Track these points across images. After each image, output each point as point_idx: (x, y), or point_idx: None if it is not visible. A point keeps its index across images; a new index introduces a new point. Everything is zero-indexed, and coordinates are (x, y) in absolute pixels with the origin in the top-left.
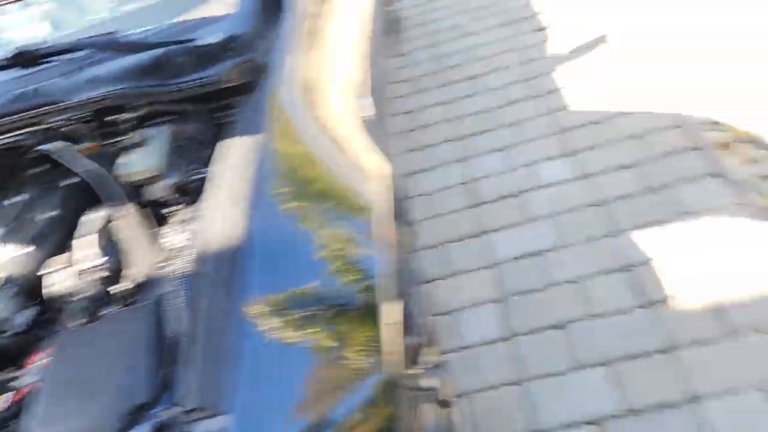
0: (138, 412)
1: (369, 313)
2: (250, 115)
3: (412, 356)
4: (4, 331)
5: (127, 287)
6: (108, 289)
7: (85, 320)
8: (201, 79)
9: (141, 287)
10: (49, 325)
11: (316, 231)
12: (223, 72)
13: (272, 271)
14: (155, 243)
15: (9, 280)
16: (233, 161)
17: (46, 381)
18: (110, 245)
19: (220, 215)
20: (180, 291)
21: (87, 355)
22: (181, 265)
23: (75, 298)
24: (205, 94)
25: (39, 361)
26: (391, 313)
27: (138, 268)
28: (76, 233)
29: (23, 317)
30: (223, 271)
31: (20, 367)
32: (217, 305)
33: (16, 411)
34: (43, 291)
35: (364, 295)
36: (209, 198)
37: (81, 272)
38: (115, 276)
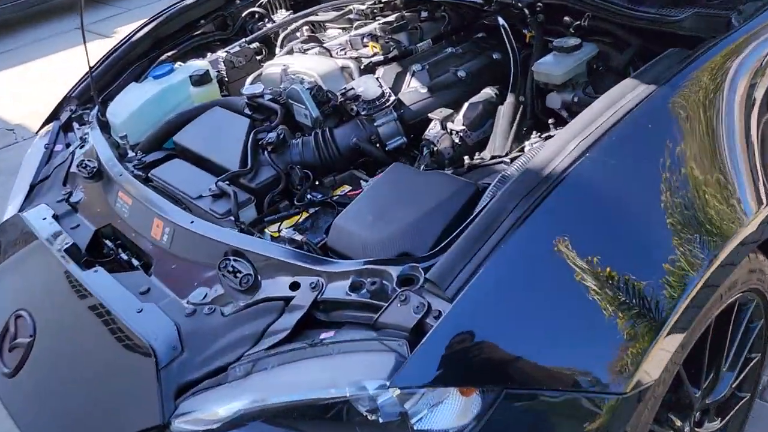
0: (407, 255)
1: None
2: (673, 68)
3: None
4: (385, 145)
5: (470, 161)
6: (454, 154)
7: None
8: (662, 16)
9: (475, 168)
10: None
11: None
12: (685, 18)
13: (575, 220)
14: (515, 140)
15: (398, 108)
16: (620, 102)
17: (367, 190)
18: (481, 120)
19: (559, 145)
20: (495, 189)
21: (406, 187)
22: (511, 171)
23: (433, 147)
24: (656, 31)
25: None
26: None
27: (487, 152)
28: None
29: (397, 142)
30: (532, 197)
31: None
32: (507, 217)
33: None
34: (426, 132)
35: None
36: (571, 125)
37: (451, 130)
38: (468, 147)
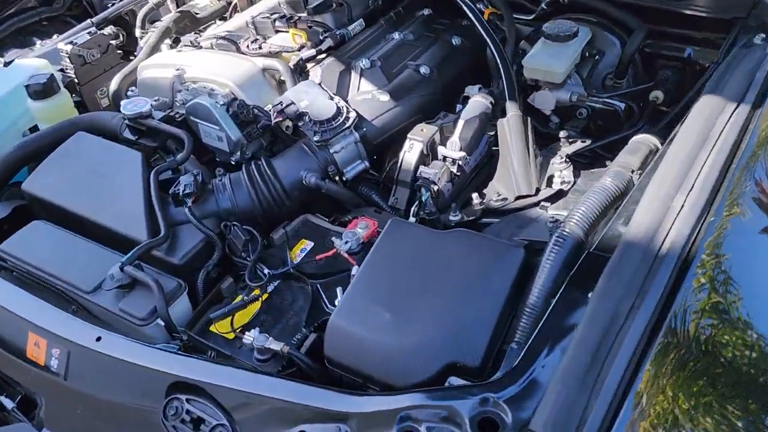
0: (450, 372)
1: None
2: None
3: None
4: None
5: (483, 202)
6: (453, 189)
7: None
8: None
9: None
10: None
11: None
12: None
13: None
14: (533, 164)
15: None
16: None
17: (366, 267)
18: (477, 141)
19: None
20: (558, 254)
21: (423, 257)
22: (572, 226)
23: (433, 187)
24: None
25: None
26: None
27: (507, 185)
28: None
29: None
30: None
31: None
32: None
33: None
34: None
35: None
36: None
37: (445, 158)
38: (466, 176)
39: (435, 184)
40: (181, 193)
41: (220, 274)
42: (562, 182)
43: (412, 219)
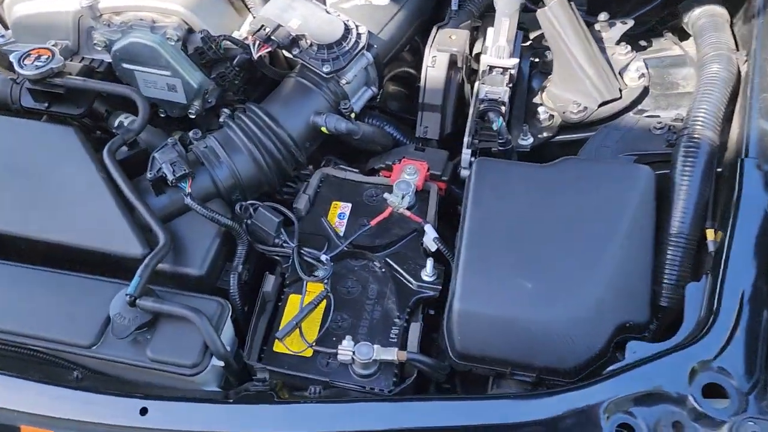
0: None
1: None
2: None
3: None
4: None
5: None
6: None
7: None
8: None
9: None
10: None
11: None
12: None
13: None
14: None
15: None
16: None
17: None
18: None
19: None
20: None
21: (542, 202)
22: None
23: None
24: None
25: None
26: None
27: (577, 90)
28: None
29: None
30: None
31: None
32: None
33: None
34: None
35: None
36: None
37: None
38: None
39: (504, 104)
40: (171, 177)
41: (249, 273)
42: (640, 76)
43: (466, 152)
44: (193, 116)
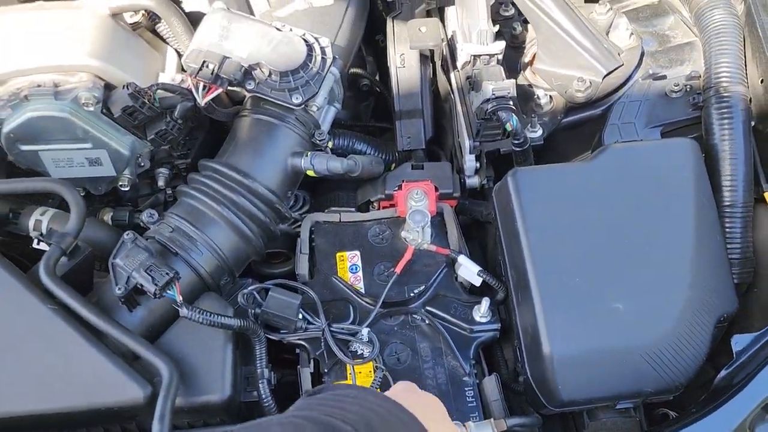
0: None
1: None
2: None
3: None
4: None
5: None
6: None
7: None
8: None
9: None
10: None
11: None
12: None
13: None
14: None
15: None
16: None
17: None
18: None
19: None
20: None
21: (592, 207)
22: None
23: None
24: None
25: None
26: None
27: (573, 64)
28: None
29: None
30: None
31: None
32: None
33: None
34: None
35: None
36: None
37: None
38: None
39: (514, 99)
40: (154, 288)
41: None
42: (631, 35)
43: (470, 157)
44: (126, 188)
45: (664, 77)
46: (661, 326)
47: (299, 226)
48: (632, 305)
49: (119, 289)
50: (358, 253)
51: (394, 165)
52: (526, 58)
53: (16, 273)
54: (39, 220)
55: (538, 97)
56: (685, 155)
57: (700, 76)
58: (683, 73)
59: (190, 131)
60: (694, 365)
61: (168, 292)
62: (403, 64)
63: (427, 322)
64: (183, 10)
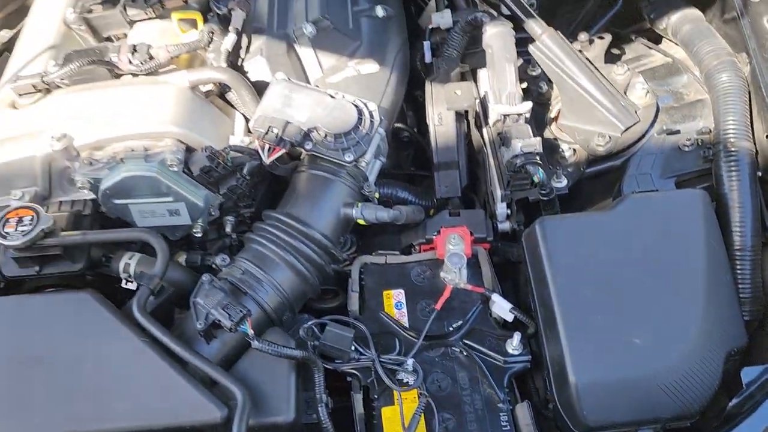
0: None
1: None
2: None
3: None
4: None
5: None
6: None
7: None
8: None
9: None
10: None
11: None
12: None
13: None
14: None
15: None
16: None
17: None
18: None
19: None
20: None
21: (612, 252)
22: (732, 137)
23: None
24: None
25: None
26: None
27: (593, 120)
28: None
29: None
30: None
31: None
32: None
33: None
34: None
35: None
36: None
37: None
38: None
39: (541, 155)
40: (230, 324)
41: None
42: (647, 93)
43: (501, 205)
44: (199, 235)
45: (677, 132)
46: (675, 358)
47: (348, 265)
48: (648, 340)
49: (199, 324)
50: (402, 291)
51: (432, 211)
52: (552, 114)
53: (114, 311)
54: (128, 263)
55: (563, 150)
56: (697, 204)
57: (710, 131)
58: (695, 128)
59: (255, 185)
60: (707, 394)
61: (241, 326)
62: (440, 122)
63: (464, 353)
64: (249, 80)
